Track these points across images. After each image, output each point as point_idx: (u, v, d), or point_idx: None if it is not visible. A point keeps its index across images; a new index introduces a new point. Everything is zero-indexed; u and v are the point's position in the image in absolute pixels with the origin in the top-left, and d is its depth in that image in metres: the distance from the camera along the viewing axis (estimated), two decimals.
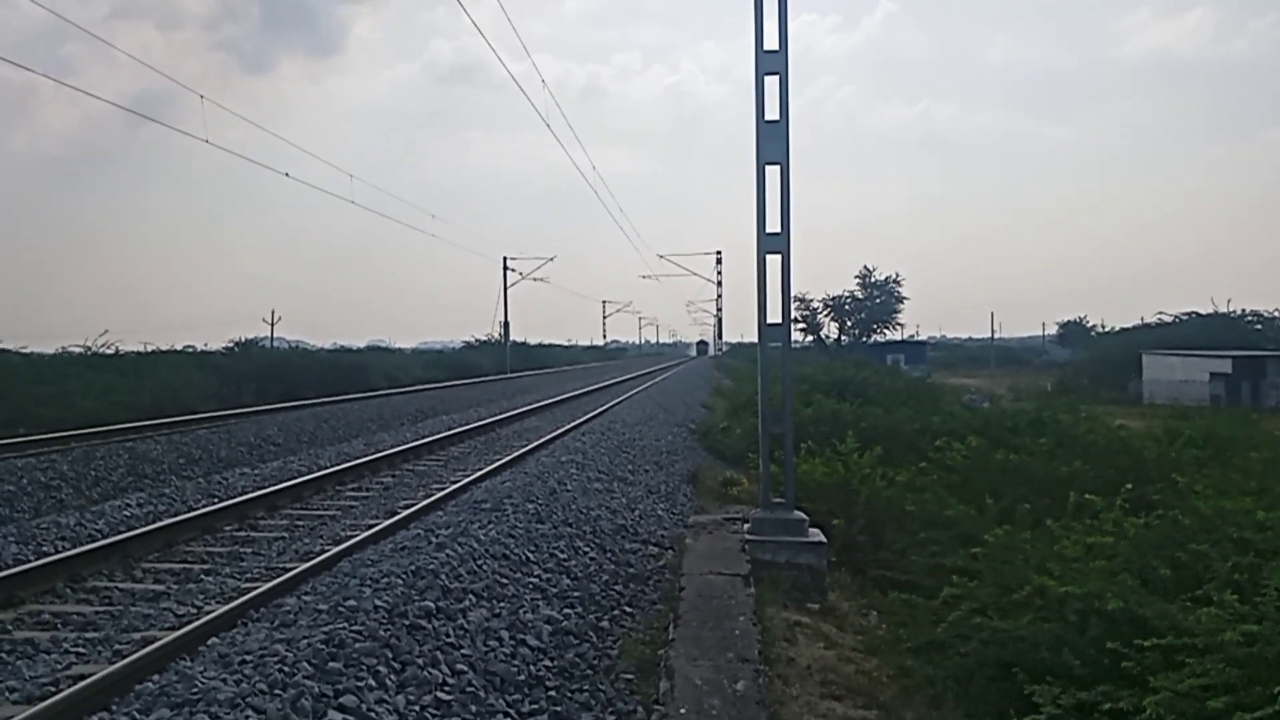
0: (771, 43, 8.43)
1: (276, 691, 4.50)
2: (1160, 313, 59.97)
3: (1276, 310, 56.04)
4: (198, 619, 6.17)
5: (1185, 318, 56.94)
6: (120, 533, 8.93)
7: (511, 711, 5.01)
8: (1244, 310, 55.68)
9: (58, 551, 8.27)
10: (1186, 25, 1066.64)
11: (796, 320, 61.58)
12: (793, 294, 8.82)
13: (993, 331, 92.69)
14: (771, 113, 8.45)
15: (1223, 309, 56.19)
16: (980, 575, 6.59)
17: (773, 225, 8.43)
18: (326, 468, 13.52)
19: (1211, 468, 10.06)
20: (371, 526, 9.14)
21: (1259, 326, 54.04)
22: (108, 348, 28.06)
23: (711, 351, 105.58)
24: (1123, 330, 64.87)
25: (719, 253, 73.48)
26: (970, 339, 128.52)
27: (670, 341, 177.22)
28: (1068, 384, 50.92)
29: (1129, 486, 8.08)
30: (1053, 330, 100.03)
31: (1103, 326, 78.46)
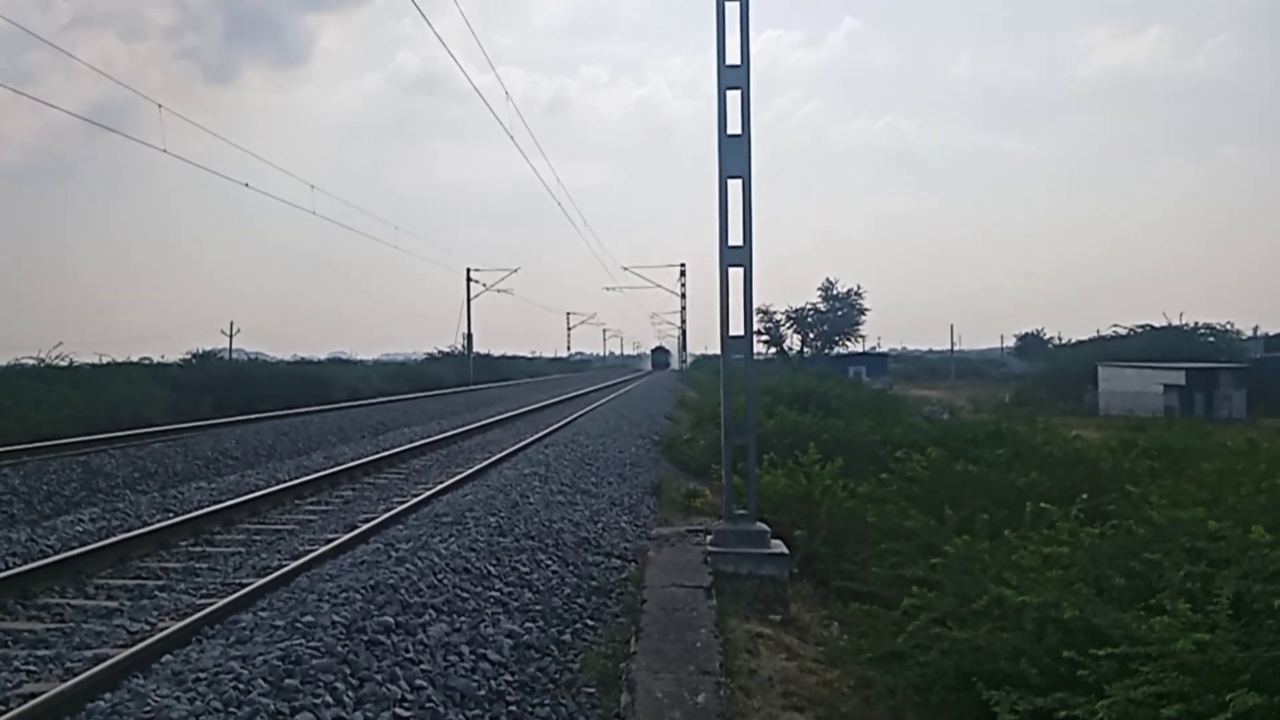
0: (734, 57, 8.49)
1: (231, 709, 4.45)
2: (1115, 325, 60.78)
3: (1229, 323, 57.17)
4: (151, 636, 6.07)
5: (1140, 330, 57.65)
6: (72, 548, 8.76)
7: None
8: (1197, 323, 56.59)
9: (8, 568, 8.10)
10: (1145, 43, 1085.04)
11: (759, 332, 61.86)
12: (756, 306, 8.87)
13: (952, 344, 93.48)
14: (734, 127, 8.50)
15: (1176, 322, 57.16)
16: (940, 586, 6.63)
17: (735, 238, 8.47)
18: (285, 481, 13.37)
19: (1165, 478, 10.18)
20: (330, 541, 9.05)
21: (1212, 339, 54.82)
22: (62, 360, 27.66)
23: (675, 363, 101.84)
24: (1079, 343, 65.51)
25: (683, 265, 73.85)
26: (931, 351, 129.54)
27: (634, 353, 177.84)
28: (1025, 396, 51.48)
29: (1084, 496, 8.16)
30: (1011, 343, 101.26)
31: (1059, 339, 79.42)
